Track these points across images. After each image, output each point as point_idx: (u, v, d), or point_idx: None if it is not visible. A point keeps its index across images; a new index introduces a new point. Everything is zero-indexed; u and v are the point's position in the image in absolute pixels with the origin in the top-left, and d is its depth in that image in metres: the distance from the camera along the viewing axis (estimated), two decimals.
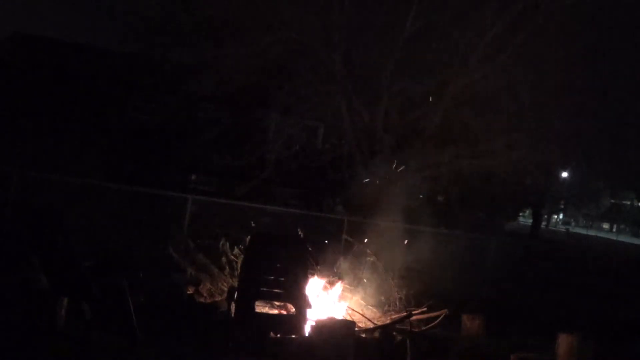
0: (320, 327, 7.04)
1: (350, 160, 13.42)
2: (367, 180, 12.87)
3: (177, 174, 18.93)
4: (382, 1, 12.34)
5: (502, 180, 14.21)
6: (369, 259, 9.94)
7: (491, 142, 12.63)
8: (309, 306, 7.43)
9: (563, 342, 7.90)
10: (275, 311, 8.33)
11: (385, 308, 9.39)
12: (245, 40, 12.17)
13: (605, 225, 75.02)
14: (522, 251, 16.30)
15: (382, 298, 9.53)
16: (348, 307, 9.06)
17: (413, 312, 8.82)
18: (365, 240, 10.54)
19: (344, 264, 9.76)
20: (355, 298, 9.38)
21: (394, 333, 8.05)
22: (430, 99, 12.67)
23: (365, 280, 9.88)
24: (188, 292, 8.76)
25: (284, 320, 7.69)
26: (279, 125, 16.15)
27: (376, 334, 8.11)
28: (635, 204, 63.80)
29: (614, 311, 12.30)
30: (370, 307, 9.36)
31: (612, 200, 63.15)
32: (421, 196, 13.70)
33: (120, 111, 20.60)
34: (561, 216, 72.50)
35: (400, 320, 8.57)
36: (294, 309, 7.42)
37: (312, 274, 8.19)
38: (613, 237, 57.16)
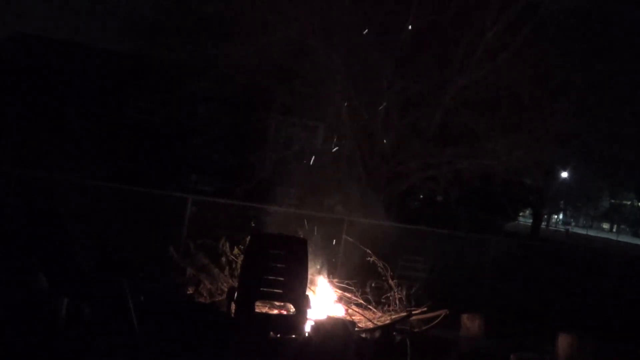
0: (320, 327, 7.04)
1: (350, 160, 13.41)
2: (367, 180, 12.89)
3: (177, 174, 18.94)
4: (382, 1, 12.34)
5: (502, 180, 14.21)
6: (369, 258, 9.95)
7: (491, 142, 12.65)
8: (309, 306, 7.43)
9: (563, 342, 7.91)
10: (275, 311, 8.33)
11: (385, 308, 9.39)
12: (246, 40, 12.17)
13: (605, 225, 75.05)
14: (522, 251, 16.27)
15: (382, 298, 9.53)
16: (348, 306, 9.07)
17: (413, 312, 8.83)
18: (365, 240, 10.53)
19: (344, 265, 9.76)
20: (355, 298, 9.38)
21: (394, 333, 8.05)
22: (430, 99, 12.67)
23: (365, 279, 9.88)
24: (188, 292, 8.76)
25: (284, 320, 7.69)
26: (279, 125, 16.16)
27: (376, 334, 8.11)
28: (635, 204, 63.75)
29: (614, 311, 12.29)
30: (370, 307, 9.36)
31: (612, 200, 63.10)
32: (421, 196, 13.72)
33: (120, 111, 20.61)
34: (561, 216, 72.51)
35: (400, 320, 8.57)
36: (294, 309, 7.42)
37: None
38: (613, 237, 57.16)
